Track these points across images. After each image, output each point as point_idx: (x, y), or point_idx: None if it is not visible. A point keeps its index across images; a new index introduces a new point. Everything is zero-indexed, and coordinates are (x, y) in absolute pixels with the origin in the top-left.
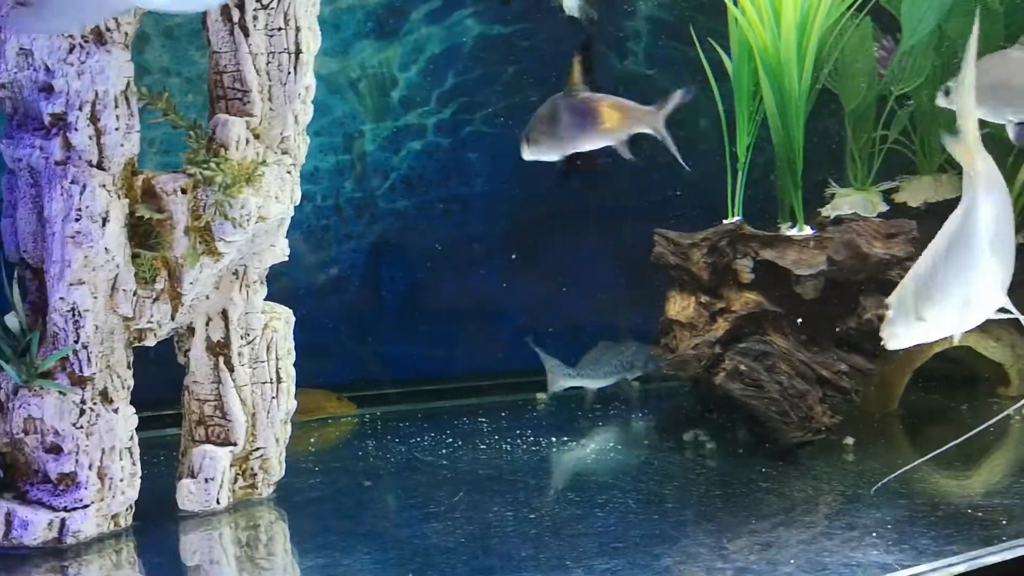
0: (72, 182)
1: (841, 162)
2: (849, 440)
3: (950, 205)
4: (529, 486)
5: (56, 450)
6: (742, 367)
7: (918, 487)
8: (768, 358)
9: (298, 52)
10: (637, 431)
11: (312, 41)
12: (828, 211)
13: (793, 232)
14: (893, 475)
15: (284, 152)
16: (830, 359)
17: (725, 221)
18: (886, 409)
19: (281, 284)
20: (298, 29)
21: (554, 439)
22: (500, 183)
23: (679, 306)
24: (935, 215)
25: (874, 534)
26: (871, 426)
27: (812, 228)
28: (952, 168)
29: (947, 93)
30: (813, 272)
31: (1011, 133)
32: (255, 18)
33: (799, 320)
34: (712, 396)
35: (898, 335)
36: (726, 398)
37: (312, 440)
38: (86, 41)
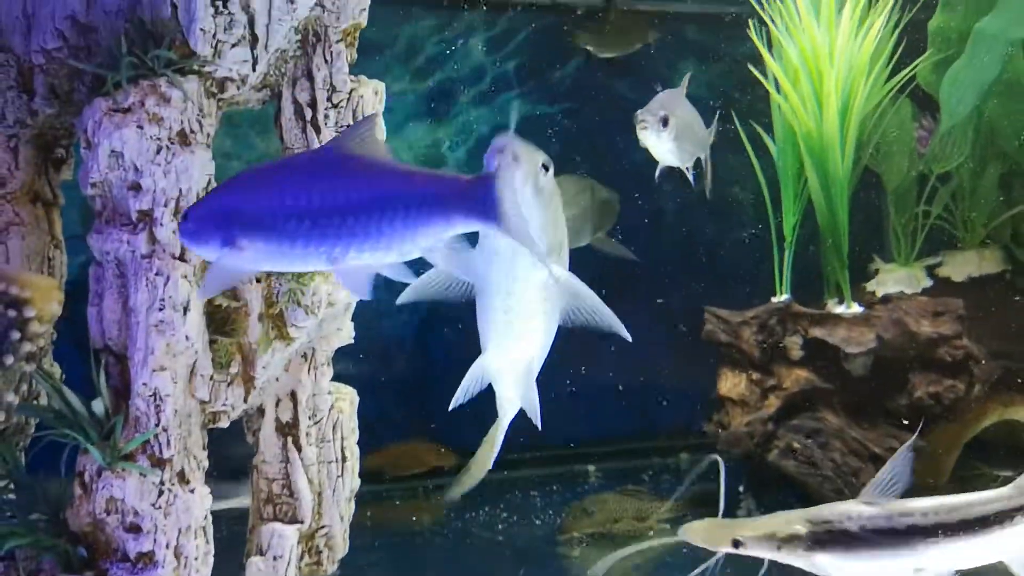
0: (156, 274)
1: (884, 237)
2: None
3: (993, 279)
4: (589, 560)
5: (135, 529)
6: (795, 444)
7: None
8: (821, 435)
9: None
10: (685, 508)
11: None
12: (873, 286)
13: (841, 309)
14: None
15: None
16: (881, 435)
17: (773, 299)
18: (938, 482)
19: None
20: None
21: None
22: None
23: (731, 383)
24: (979, 289)
25: None
26: None
27: (860, 305)
28: (994, 243)
29: (665, 124)
30: (863, 350)
31: (691, 177)
32: (326, 117)
33: (848, 397)
34: (762, 473)
35: None
36: (777, 475)
37: (369, 514)
38: (172, 143)
